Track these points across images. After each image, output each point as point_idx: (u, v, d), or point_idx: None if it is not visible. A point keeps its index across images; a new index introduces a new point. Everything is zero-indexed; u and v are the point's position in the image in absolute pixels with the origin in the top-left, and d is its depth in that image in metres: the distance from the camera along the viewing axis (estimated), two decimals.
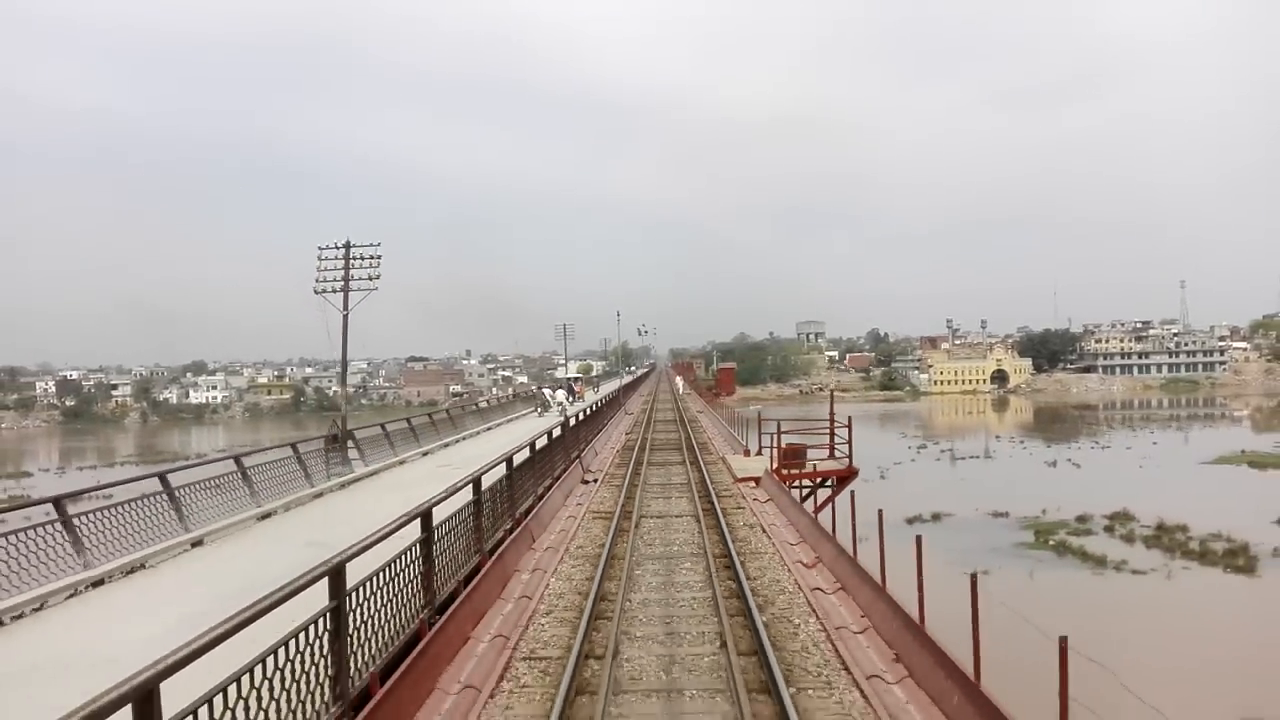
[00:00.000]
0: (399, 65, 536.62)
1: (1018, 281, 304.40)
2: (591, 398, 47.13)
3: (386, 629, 7.08)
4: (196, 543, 12.42)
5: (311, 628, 5.53)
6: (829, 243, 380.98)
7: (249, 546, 12.61)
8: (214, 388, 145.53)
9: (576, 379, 67.98)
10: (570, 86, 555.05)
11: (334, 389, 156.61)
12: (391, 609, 7.23)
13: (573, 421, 23.92)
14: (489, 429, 34.11)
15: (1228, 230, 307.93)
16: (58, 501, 10.49)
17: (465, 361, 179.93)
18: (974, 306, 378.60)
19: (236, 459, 14.91)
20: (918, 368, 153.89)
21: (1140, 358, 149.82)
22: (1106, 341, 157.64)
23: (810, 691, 7.28)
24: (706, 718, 6.86)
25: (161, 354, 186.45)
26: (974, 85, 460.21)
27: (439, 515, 8.86)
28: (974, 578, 7.50)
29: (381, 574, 7.04)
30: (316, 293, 27.10)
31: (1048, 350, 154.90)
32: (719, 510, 15.37)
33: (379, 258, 27.79)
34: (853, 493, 16.41)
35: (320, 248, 27.78)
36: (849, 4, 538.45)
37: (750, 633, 8.66)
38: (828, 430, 26.76)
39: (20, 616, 9.14)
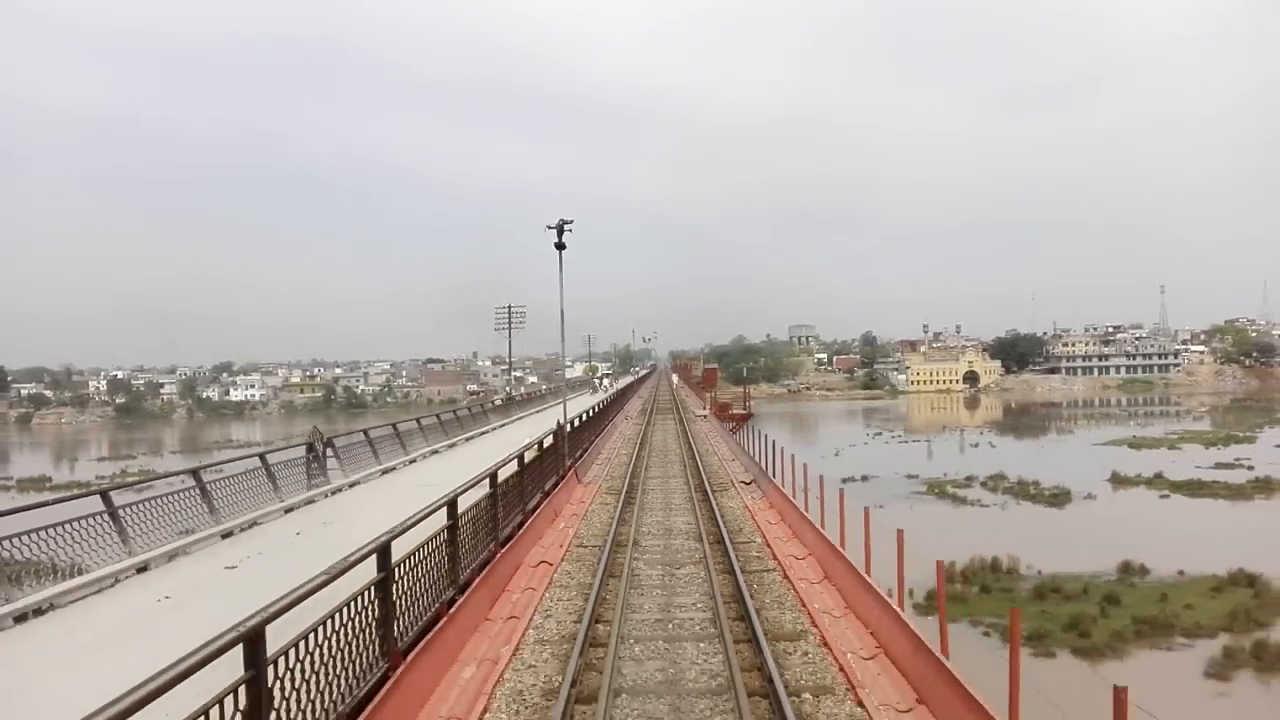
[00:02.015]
0: (402, 69, 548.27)
1: (1010, 284, 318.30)
2: (619, 385, 68.30)
3: (560, 458, 20.47)
4: (450, 445, 26.02)
5: (509, 467, 18.67)
6: (828, 246, 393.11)
7: (470, 450, 26.52)
8: (251, 386, 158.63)
9: (609, 374, 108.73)
10: (572, 89, 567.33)
11: (361, 388, 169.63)
12: (565, 448, 20.52)
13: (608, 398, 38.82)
14: (559, 403, 55.04)
15: (1220, 233, 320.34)
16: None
17: (481, 363, 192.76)
18: (967, 308, 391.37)
19: (437, 415, 28.67)
20: (897, 369, 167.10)
21: (1101, 360, 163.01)
22: (1072, 345, 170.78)
23: (705, 450, 28.57)
24: (674, 444, 30.31)
25: (166, 355, 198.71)
26: (971, 88, 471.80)
27: (585, 414, 22.97)
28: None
29: (549, 441, 20.32)
30: (496, 330, 48.40)
31: (1017, 353, 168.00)
32: (685, 424, 39.63)
33: (524, 309, 48.32)
34: (754, 426, 31.42)
35: (497, 308, 49.66)
36: (848, 7, 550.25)
37: (690, 446, 30.54)
38: (744, 399, 45.22)
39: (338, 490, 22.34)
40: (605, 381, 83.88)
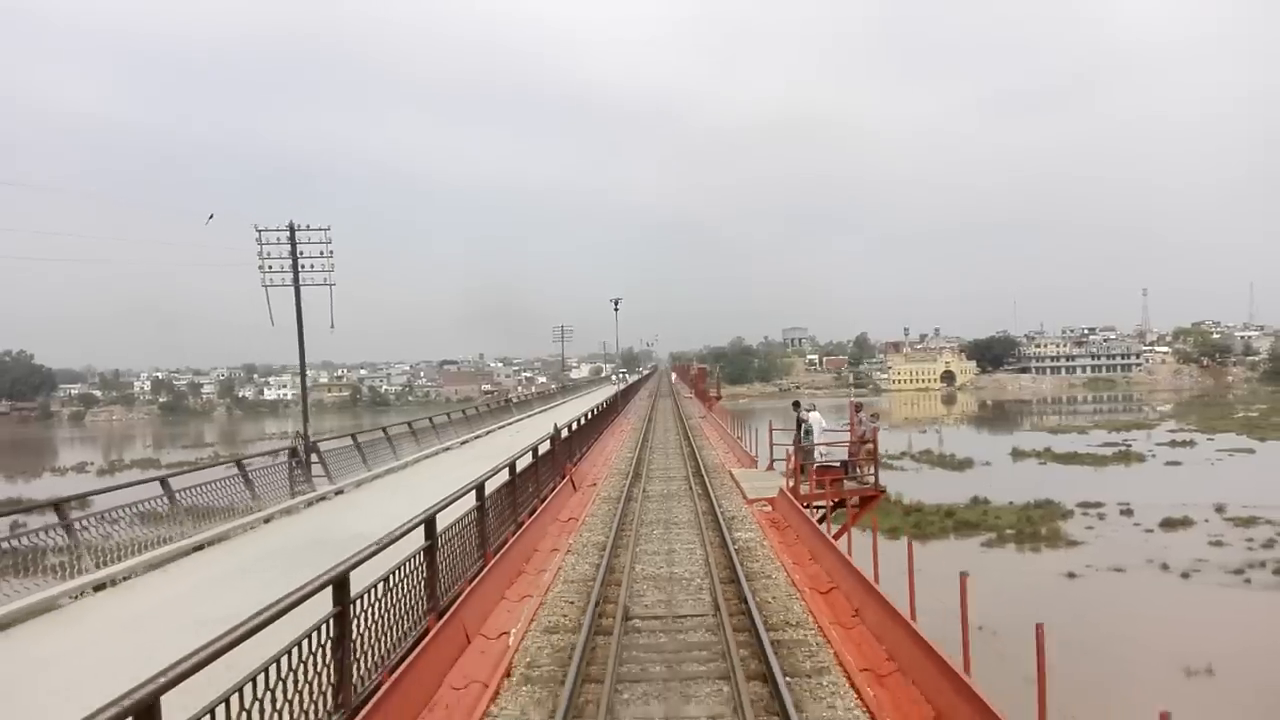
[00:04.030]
0: (406, 70, 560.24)
1: (1004, 284, 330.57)
2: (631, 380, 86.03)
3: (591, 429, 34.01)
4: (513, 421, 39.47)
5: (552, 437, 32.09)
6: (827, 248, 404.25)
7: (557, 412, 41.43)
8: (284, 386, 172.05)
9: (624, 372, 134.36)
10: (574, 90, 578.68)
11: (384, 388, 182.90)
12: (600, 421, 34.04)
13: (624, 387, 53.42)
14: (590, 393, 75.06)
15: (1213, 236, 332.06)
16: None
17: (494, 364, 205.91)
18: (959, 308, 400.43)
19: (535, 395, 42.66)
20: (880, 369, 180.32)
21: (1068, 360, 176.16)
22: (1044, 346, 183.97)
23: (685, 410, 43.71)
24: (670, 408, 47.73)
25: (172, 356, 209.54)
26: (968, 89, 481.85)
27: (614, 395, 36.56)
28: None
29: (592, 416, 33.74)
30: (554, 341, 65.40)
31: (992, 354, 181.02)
32: (678, 402, 52.42)
33: (572, 329, 65.54)
34: (721, 404, 46.23)
35: (554, 327, 65.71)
36: (848, 11, 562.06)
37: (678, 408, 51.17)
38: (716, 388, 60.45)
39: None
40: (626, 376, 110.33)
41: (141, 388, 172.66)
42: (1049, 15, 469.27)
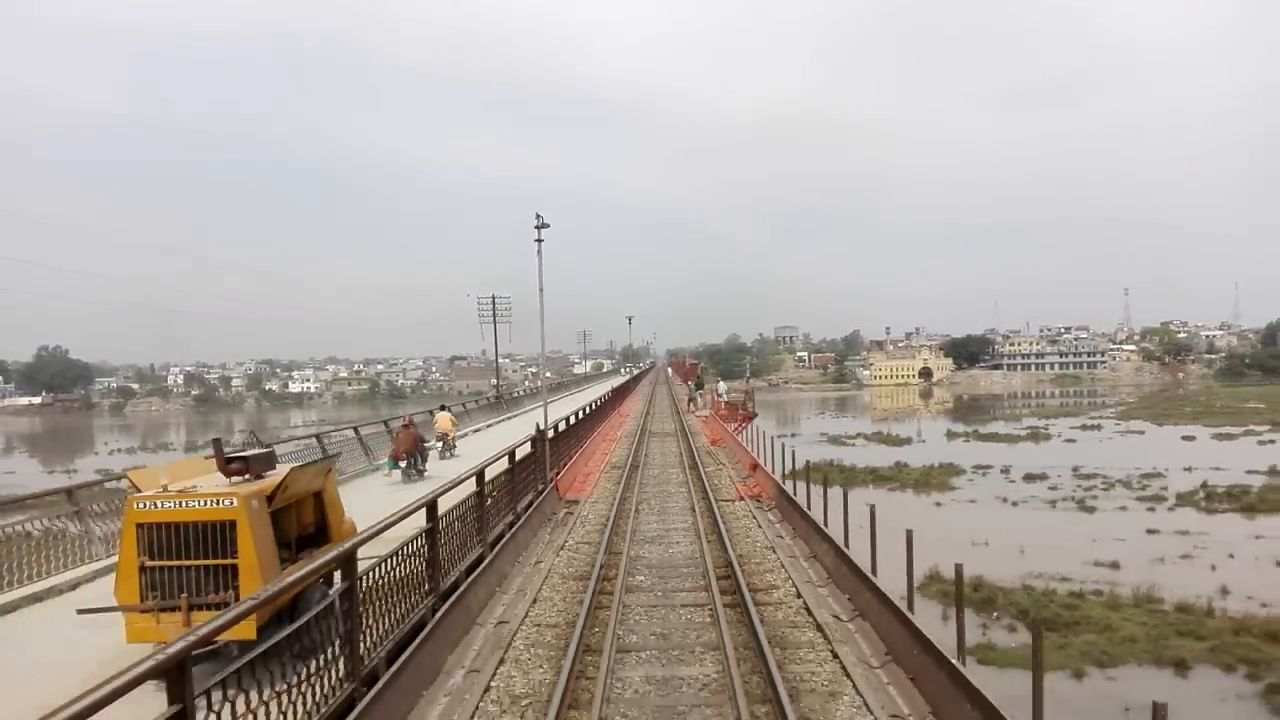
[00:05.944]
0: (408, 69, 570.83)
1: (993, 282, 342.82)
2: (636, 372, 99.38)
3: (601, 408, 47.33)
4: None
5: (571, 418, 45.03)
6: (823, 247, 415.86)
7: (592, 390, 53.93)
8: (307, 380, 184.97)
9: (630, 366, 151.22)
10: (576, 89, 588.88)
11: (400, 381, 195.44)
12: (624, 392, 47.25)
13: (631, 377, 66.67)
14: (608, 382, 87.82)
15: (1205, 236, 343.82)
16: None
17: (502, 360, 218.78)
18: (947, 306, 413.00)
19: (571, 381, 55.79)
20: (863, 365, 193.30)
21: (1039, 357, 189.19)
22: (1018, 344, 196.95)
23: (673, 385, 51.29)
24: (664, 391, 57.10)
25: (179, 351, 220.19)
26: (968, 88, 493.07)
27: (621, 383, 49.91)
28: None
29: (596, 401, 46.81)
30: (576, 344, 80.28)
31: (968, 351, 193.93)
32: (670, 387, 66.05)
33: (586, 335, 79.75)
34: (708, 391, 59.39)
35: (575, 331, 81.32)
36: (850, 10, 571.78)
37: (670, 391, 56.74)
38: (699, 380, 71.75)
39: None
40: (633, 370, 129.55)
41: (175, 381, 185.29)
42: (1043, 14, 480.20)
